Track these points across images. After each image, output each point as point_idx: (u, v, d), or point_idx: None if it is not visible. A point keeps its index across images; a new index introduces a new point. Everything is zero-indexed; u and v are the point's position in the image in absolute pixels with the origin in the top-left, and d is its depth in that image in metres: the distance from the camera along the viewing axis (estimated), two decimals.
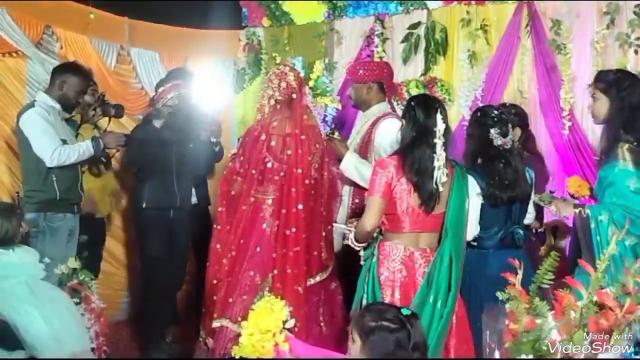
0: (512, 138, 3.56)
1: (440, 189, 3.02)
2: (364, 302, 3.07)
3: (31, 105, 4.22)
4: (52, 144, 4.10)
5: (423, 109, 3.09)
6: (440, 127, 3.03)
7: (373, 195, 3.06)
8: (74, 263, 3.36)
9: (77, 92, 4.32)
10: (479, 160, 3.53)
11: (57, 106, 4.25)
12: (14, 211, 3.49)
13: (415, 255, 3.07)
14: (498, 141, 3.48)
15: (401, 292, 3.03)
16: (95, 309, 3.26)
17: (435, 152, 3.01)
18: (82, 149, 4.24)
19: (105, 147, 4.40)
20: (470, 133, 3.61)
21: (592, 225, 3.18)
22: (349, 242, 3.25)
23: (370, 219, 3.05)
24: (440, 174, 3.01)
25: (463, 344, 3.07)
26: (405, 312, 2.39)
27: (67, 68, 4.41)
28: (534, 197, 3.66)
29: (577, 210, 3.26)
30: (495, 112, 3.53)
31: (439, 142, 3.02)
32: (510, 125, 3.57)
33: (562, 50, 4.81)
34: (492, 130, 3.48)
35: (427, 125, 3.05)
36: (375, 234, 3.17)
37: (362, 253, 3.25)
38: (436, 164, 3.01)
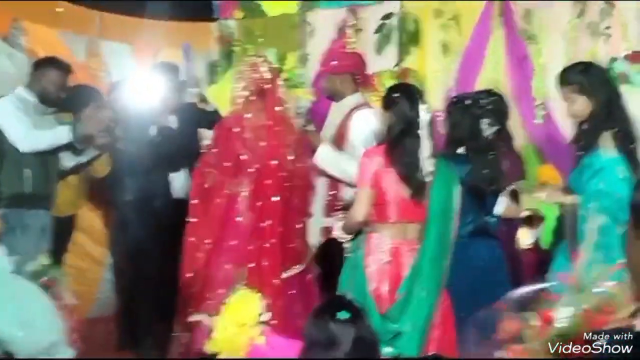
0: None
1: (428, 179, 3.03)
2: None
3: (1, 95, 4.22)
4: (23, 127, 4.05)
5: (407, 100, 3.09)
6: (423, 117, 3.03)
7: (362, 186, 3.07)
8: (44, 260, 3.30)
9: (56, 86, 4.29)
10: (465, 151, 3.50)
11: (32, 99, 4.22)
12: None
13: (402, 247, 3.07)
14: (487, 132, 3.47)
15: (388, 284, 3.04)
16: (68, 305, 3.22)
17: (421, 144, 3.02)
18: (59, 133, 4.16)
19: (86, 132, 4.23)
20: (456, 121, 3.56)
21: (581, 213, 3.13)
22: (336, 234, 3.26)
23: (361, 210, 3.07)
24: (427, 165, 3.03)
25: (446, 334, 3.08)
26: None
27: (47, 62, 4.39)
28: (514, 186, 3.65)
29: (566, 198, 3.24)
30: (485, 100, 3.49)
31: (423, 132, 3.02)
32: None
33: (533, 40, 4.83)
34: (483, 121, 3.47)
35: (412, 117, 3.05)
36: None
37: (347, 245, 3.26)
38: (423, 155, 3.02)
